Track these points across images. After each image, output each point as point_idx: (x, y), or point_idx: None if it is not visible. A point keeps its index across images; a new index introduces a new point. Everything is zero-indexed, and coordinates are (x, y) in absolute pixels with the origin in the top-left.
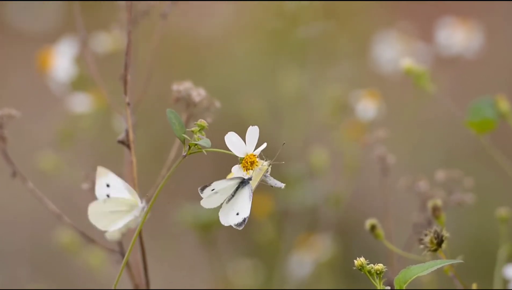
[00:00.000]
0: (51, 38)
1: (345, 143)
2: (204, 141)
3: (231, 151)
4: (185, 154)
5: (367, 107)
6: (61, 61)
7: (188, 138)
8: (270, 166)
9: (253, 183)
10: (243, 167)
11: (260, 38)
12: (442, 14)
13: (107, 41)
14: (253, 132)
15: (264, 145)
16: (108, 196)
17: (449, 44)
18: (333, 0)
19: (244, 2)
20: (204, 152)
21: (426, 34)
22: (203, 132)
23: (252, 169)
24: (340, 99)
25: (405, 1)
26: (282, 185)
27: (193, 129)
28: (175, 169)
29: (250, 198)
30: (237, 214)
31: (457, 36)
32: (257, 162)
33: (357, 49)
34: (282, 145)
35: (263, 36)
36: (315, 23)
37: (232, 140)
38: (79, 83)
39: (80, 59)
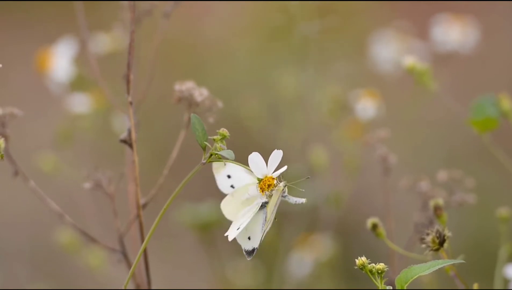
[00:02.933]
0: (52, 37)
1: (345, 143)
2: (226, 153)
3: (248, 167)
4: (204, 161)
5: (366, 106)
6: (60, 61)
7: (209, 145)
8: (286, 186)
9: (271, 206)
10: (260, 188)
11: (260, 38)
12: (442, 12)
13: (107, 41)
14: (276, 156)
15: (285, 168)
16: (232, 187)
17: (444, 40)
18: (333, 0)
19: (245, 2)
20: (224, 163)
21: (426, 33)
22: (224, 142)
23: (267, 191)
24: (339, 99)
25: (405, 0)
26: (304, 200)
27: (214, 137)
28: (192, 176)
29: (263, 225)
30: (249, 238)
31: (452, 32)
32: (274, 185)
33: (356, 48)
34: (305, 179)
35: (263, 36)
36: (314, 21)
37: (255, 161)
38: (79, 84)
39: (80, 59)
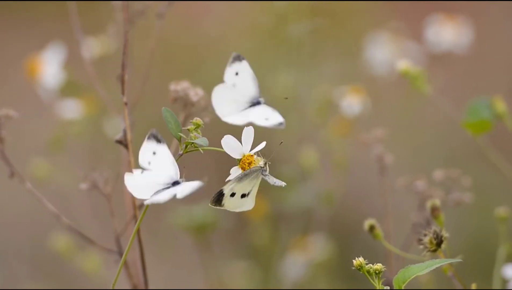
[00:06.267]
0: (52, 37)
1: (336, 141)
2: (201, 140)
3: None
4: (181, 152)
5: (351, 102)
6: (49, 68)
7: (185, 136)
8: (267, 165)
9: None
10: (241, 168)
11: (256, 39)
12: (438, 13)
13: (102, 42)
14: (248, 133)
15: (263, 144)
16: (149, 163)
17: (438, 41)
18: (331, 0)
19: (241, 2)
20: (201, 150)
21: (422, 33)
22: (199, 131)
23: (249, 169)
24: (328, 97)
25: (404, 1)
26: (283, 184)
27: (189, 127)
28: None
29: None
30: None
31: (445, 33)
32: (254, 162)
33: (353, 49)
34: (279, 144)
35: (259, 37)
36: (309, 22)
37: (228, 142)
38: (69, 89)
39: (73, 61)
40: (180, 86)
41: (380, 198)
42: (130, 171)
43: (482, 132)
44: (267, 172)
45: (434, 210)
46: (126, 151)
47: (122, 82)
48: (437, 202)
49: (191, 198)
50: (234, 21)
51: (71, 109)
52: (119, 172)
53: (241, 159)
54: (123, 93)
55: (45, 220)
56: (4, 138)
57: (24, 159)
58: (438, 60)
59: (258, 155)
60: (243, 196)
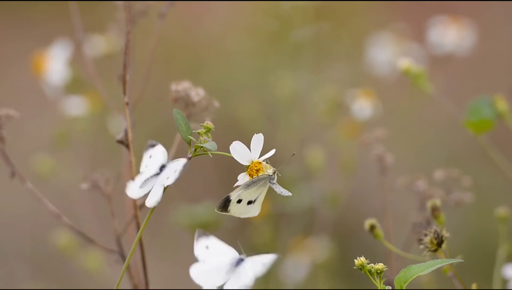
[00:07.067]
0: (52, 36)
1: (342, 142)
2: (210, 144)
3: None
4: (190, 156)
5: (363, 106)
6: (55, 65)
7: (194, 139)
8: (276, 173)
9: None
10: (249, 175)
11: (258, 39)
12: (441, 14)
13: (103, 42)
14: (257, 140)
15: (272, 152)
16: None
17: (441, 42)
18: (332, 0)
19: (242, 2)
20: (210, 154)
21: (425, 34)
22: (209, 135)
23: (256, 176)
24: (336, 99)
25: (405, 1)
26: (289, 194)
27: (199, 131)
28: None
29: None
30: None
31: (449, 34)
32: (262, 169)
33: (354, 50)
34: (291, 156)
35: (261, 37)
36: (312, 24)
37: (236, 149)
38: (74, 86)
39: (75, 61)
40: (181, 86)
41: (380, 198)
42: (131, 171)
43: (484, 131)
44: (275, 181)
45: (434, 210)
46: (127, 151)
47: (124, 82)
48: (438, 202)
49: (192, 197)
50: (235, 21)
51: (76, 106)
52: (120, 172)
53: (249, 165)
54: (124, 93)
55: (46, 220)
56: (4, 137)
57: (26, 158)
58: (440, 62)
59: (266, 162)
60: (249, 202)
